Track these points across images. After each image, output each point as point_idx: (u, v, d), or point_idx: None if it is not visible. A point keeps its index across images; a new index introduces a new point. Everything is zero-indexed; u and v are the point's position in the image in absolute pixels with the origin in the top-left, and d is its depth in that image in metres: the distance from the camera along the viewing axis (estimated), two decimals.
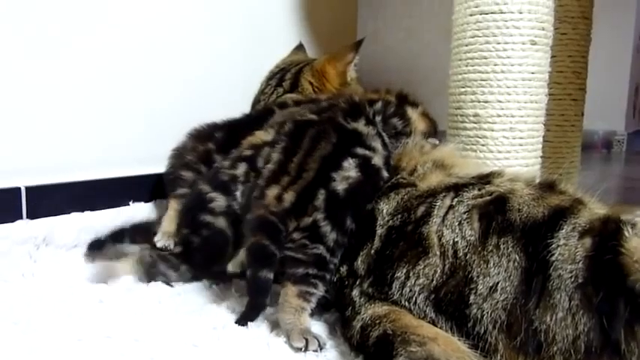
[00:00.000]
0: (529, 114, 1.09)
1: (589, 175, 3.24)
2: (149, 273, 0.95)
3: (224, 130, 1.15)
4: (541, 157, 1.44)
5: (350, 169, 0.83)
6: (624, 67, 4.16)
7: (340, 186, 0.82)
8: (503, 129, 1.09)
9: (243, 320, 0.79)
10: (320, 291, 0.79)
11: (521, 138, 1.10)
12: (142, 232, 1.08)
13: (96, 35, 1.18)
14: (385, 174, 0.87)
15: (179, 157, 1.17)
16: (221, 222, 0.92)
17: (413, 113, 1.02)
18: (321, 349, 0.72)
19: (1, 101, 1.03)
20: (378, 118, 0.95)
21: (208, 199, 0.93)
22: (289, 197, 0.81)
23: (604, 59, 4.16)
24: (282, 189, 0.82)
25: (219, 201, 0.93)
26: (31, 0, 1.06)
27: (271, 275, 0.79)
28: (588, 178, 3.01)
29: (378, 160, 0.87)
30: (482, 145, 1.10)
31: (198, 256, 0.96)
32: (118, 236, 1.07)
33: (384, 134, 0.93)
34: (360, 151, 0.86)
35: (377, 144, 0.89)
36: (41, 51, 1.09)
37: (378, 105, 0.98)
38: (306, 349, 0.72)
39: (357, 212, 0.82)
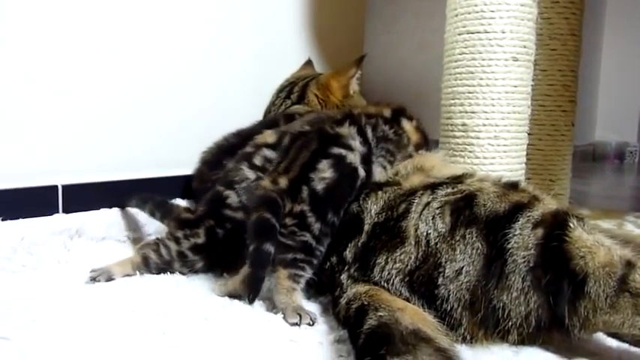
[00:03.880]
0: (512, 123, 1.18)
1: (601, 184, 3.29)
2: (160, 269, 1.04)
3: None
4: (533, 164, 1.53)
5: (325, 170, 0.90)
6: (637, 80, 4.19)
7: (319, 186, 0.89)
8: (488, 137, 1.17)
9: (250, 294, 0.86)
10: (308, 273, 0.88)
11: (505, 145, 1.18)
12: (162, 208, 1.15)
13: (131, 55, 1.30)
14: (362, 172, 0.93)
15: None
16: (241, 215, 1.00)
17: (407, 124, 1.07)
18: (313, 323, 0.82)
19: (43, 111, 1.16)
20: (369, 127, 1.00)
21: (224, 197, 1.03)
22: (283, 181, 0.90)
23: (617, 73, 4.22)
24: (275, 176, 0.91)
25: (232, 197, 1.03)
26: (83, 23, 1.18)
27: (272, 249, 0.85)
28: (599, 187, 3.07)
29: (353, 157, 0.93)
30: (470, 152, 1.19)
31: (221, 248, 1.04)
32: (143, 202, 1.17)
33: (368, 131, 0.98)
34: (335, 150, 0.92)
35: (355, 142, 0.94)
36: (82, 72, 1.21)
37: (372, 120, 1.02)
38: (300, 323, 0.81)
39: (337, 207, 0.90)
